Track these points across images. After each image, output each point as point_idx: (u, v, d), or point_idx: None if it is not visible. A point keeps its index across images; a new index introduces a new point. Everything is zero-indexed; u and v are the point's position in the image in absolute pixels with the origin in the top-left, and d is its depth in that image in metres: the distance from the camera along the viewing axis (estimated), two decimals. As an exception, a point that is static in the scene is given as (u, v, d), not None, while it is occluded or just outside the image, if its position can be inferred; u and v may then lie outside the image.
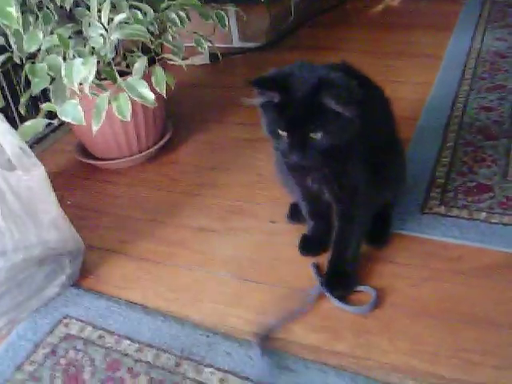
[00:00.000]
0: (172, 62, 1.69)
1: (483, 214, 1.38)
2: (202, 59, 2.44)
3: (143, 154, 1.78)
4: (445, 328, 1.14)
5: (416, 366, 1.07)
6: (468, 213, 1.39)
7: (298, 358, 1.11)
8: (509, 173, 1.51)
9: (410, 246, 1.34)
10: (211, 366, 1.12)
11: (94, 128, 1.46)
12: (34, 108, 1.73)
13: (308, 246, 1.37)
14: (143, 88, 1.46)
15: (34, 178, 1.22)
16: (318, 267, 1.30)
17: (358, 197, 1.22)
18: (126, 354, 1.17)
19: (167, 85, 1.56)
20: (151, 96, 1.47)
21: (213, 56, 2.37)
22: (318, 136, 1.08)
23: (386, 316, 1.18)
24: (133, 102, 1.50)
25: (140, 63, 1.48)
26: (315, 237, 1.37)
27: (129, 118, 1.48)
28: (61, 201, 1.30)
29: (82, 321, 1.26)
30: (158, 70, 1.54)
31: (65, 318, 1.27)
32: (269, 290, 1.27)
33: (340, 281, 1.25)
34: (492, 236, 1.32)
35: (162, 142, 1.82)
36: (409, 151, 1.60)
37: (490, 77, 2.03)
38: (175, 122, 1.94)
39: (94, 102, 1.46)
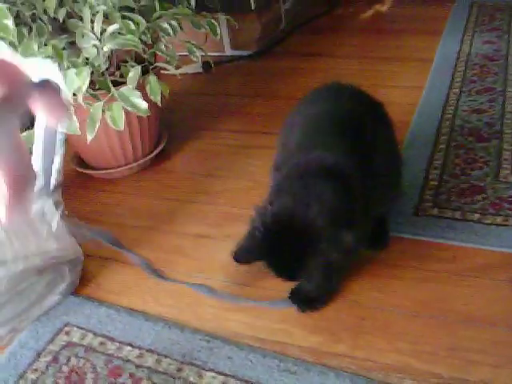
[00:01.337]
0: (165, 72, 1.70)
1: (476, 215, 1.40)
2: (194, 68, 2.45)
3: (139, 162, 1.79)
4: (442, 328, 1.15)
5: (415, 365, 1.09)
6: (461, 214, 1.41)
7: (298, 360, 1.13)
8: (501, 174, 1.53)
9: (405, 247, 1.35)
10: (212, 371, 1.13)
11: (89, 137, 1.48)
12: (29, 121, 1.74)
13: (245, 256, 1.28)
14: (136, 97, 1.48)
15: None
16: None
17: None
18: (128, 360, 1.18)
19: (162, 94, 1.58)
20: (144, 105, 1.48)
21: (205, 64, 2.39)
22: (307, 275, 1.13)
23: (383, 317, 1.19)
24: (128, 113, 1.51)
25: (134, 73, 1.49)
26: None
27: (122, 128, 1.50)
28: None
29: (82, 328, 1.27)
30: (152, 79, 1.56)
31: (66, 325, 1.28)
32: (266, 295, 1.29)
33: (308, 301, 1.25)
34: (485, 236, 1.34)
35: (156, 151, 1.83)
36: (402, 154, 1.62)
37: (479, 79, 2.06)
38: (169, 130, 1.96)
39: (89, 112, 1.48)
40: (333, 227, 1.06)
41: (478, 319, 1.16)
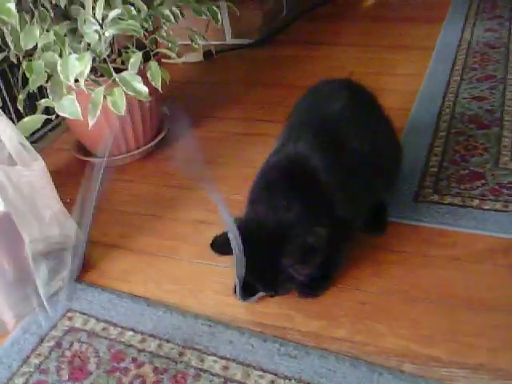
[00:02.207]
0: (167, 61, 1.71)
1: (476, 201, 1.41)
2: (196, 56, 2.45)
3: (140, 150, 1.80)
4: (441, 312, 1.16)
5: (414, 349, 1.10)
6: (461, 200, 1.42)
7: (298, 344, 1.13)
8: (500, 160, 1.54)
9: (406, 233, 1.36)
10: (214, 355, 1.14)
11: (90, 122, 1.48)
12: (31, 106, 1.75)
13: (247, 291, 1.25)
14: (137, 82, 1.48)
15: (34, 172, 1.24)
16: None
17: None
18: (130, 345, 1.19)
19: (163, 80, 1.58)
20: (145, 90, 1.49)
21: (207, 53, 2.39)
22: (286, 284, 1.15)
23: (383, 302, 1.20)
24: (129, 98, 1.52)
25: (135, 58, 1.50)
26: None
27: (123, 113, 1.50)
28: (61, 198, 1.32)
29: (85, 314, 1.28)
30: (153, 64, 1.56)
31: (68, 311, 1.29)
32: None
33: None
34: (485, 222, 1.35)
35: (158, 138, 1.84)
36: (402, 141, 1.63)
37: (480, 67, 2.06)
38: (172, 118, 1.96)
39: (90, 97, 1.48)
40: (302, 225, 1.09)
41: (477, 304, 1.17)
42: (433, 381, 1.03)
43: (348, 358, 1.09)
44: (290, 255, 1.08)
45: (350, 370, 1.07)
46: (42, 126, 1.61)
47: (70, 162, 1.86)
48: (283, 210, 1.10)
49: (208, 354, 1.14)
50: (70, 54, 1.44)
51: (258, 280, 1.17)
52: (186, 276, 1.35)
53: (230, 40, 2.64)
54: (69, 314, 1.28)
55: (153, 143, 1.82)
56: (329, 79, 1.43)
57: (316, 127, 1.24)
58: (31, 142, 1.88)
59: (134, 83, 1.48)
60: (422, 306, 1.18)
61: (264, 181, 1.20)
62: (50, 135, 2.01)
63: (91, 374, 1.14)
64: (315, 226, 1.09)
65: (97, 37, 1.44)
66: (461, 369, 1.05)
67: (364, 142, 1.23)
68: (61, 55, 1.46)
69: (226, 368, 1.11)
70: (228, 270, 1.34)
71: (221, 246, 1.17)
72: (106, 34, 1.44)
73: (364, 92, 1.39)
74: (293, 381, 1.06)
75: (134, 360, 1.15)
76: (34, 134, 1.91)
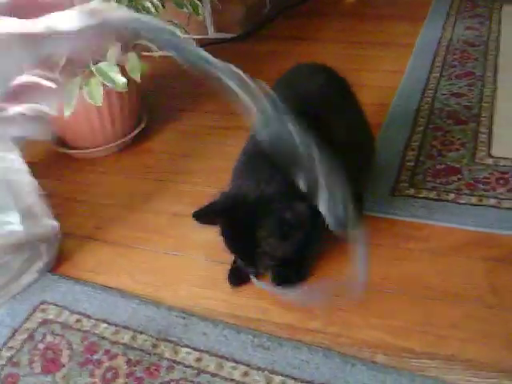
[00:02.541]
0: (146, 53, 1.70)
1: (452, 195, 1.41)
2: (176, 50, 2.44)
3: (118, 142, 1.79)
4: (415, 304, 1.17)
5: (387, 340, 1.10)
6: (436, 194, 1.42)
7: (272, 336, 1.13)
8: (477, 155, 1.54)
9: (381, 227, 1.36)
10: (188, 346, 1.13)
11: (66, 113, 1.47)
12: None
13: (238, 276, 1.28)
14: (114, 73, 1.48)
15: (9, 164, 1.23)
16: None
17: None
18: (103, 337, 1.18)
19: (141, 72, 1.57)
20: (122, 80, 1.48)
21: (187, 47, 2.38)
22: (265, 259, 1.14)
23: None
24: (108, 90, 1.51)
25: (113, 49, 1.49)
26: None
27: (100, 103, 1.49)
28: (38, 190, 1.31)
29: (58, 306, 1.27)
30: (131, 56, 1.56)
31: (42, 303, 1.28)
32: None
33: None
34: (460, 216, 1.35)
35: (136, 131, 1.83)
36: (380, 136, 1.64)
37: (459, 64, 2.07)
38: (150, 111, 1.96)
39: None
40: (282, 200, 1.09)
41: (451, 296, 1.17)
42: (405, 371, 1.03)
43: (321, 350, 1.09)
44: (266, 228, 1.09)
45: (323, 361, 1.07)
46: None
47: (47, 154, 1.85)
48: (264, 184, 1.10)
49: (181, 346, 1.14)
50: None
51: (238, 254, 1.18)
52: (161, 268, 1.34)
53: (212, 34, 2.63)
54: (42, 306, 1.27)
55: (131, 135, 1.81)
56: (307, 63, 1.45)
57: (295, 105, 1.24)
58: (8, 134, 1.89)
59: (112, 74, 1.47)
60: (396, 298, 1.19)
61: (247, 156, 1.20)
62: (27, 128, 2.00)
63: (64, 366, 1.13)
64: (295, 202, 1.07)
65: (74, 27, 1.42)
66: (433, 359, 1.05)
67: (340, 123, 1.24)
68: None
69: (199, 360, 1.11)
70: (202, 262, 1.34)
71: (202, 216, 1.16)
72: (85, 24, 1.43)
73: (339, 76, 1.40)
74: (266, 372, 1.06)
75: (107, 352, 1.15)
76: (11, 126, 1.90)
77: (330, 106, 1.27)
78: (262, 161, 1.13)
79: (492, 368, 1.02)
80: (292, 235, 1.12)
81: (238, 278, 1.27)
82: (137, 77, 1.56)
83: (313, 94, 1.29)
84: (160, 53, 2.29)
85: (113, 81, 1.48)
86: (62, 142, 1.83)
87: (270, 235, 1.10)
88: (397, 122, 1.75)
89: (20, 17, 0.53)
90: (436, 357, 1.05)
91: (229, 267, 1.30)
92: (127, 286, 1.30)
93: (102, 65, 1.48)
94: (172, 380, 1.07)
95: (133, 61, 1.55)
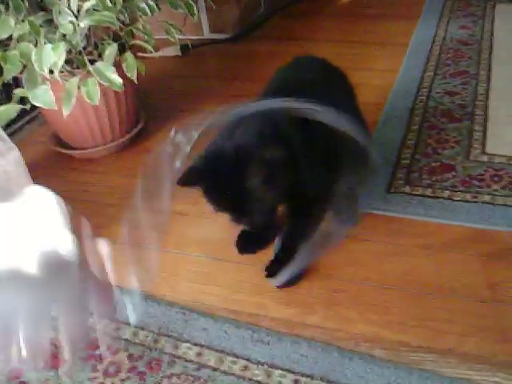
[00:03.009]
0: (144, 54, 1.71)
1: (447, 192, 1.43)
2: (173, 50, 2.46)
3: (117, 142, 1.80)
4: (411, 299, 1.19)
5: (384, 335, 1.12)
6: (432, 191, 1.44)
7: (271, 331, 1.15)
8: (471, 153, 1.57)
9: (378, 223, 1.39)
10: (188, 342, 1.15)
11: (65, 113, 1.48)
12: (5, 97, 1.75)
13: (246, 243, 1.36)
14: (111, 72, 1.49)
15: (10, 162, 1.24)
16: None
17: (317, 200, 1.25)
18: (105, 333, 1.19)
19: (139, 72, 1.59)
20: (119, 80, 1.50)
21: (184, 47, 2.40)
22: (256, 206, 1.14)
23: (355, 289, 1.23)
24: (105, 90, 1.52)
25: (110, 50, 1.51)
26: (254, 233, 1.36)
27: (97, 103, 1.51)
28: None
29: (60, 303, 1.28)
30: (128, 56, 1.57)
31: (43, 300, 1.29)
32: (241, 268, 1.32)
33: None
34: (455, 212, 1.37)
35: (135, 131, 1.84)
36: (376, 134, 1.66)
37: (453, 63, 2.09)
38: (149, 111, 1.97)
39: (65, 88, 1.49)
40: (258, 145, 1.11)
41: (447, 291, 1.19)
42: (402, 365, 1.05)
43: (320, 344, 1.11)
44: (249, 174, 1.09)
45: (322, 356, 1.09)
46: (19, 119, 1.61)
47: (46, 155, 1.86)
48: (239, 136, 1.13)
49: (182, 341, 1.16)
50: (45, 44, 1.44)
51: (227, 209, 1.17)
52: (161, 265, 1.35)
53: (207, 34, 2.64)
54: (44, 304, 1.28)
55: (129, 135, 1.83)
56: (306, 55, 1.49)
57: (289, 87, 1.28)
58: (8, 135, 1.89)
59: (108, 73, 1.49)
60: (392, 293, 1.21)
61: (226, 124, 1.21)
62: (26, 128, 2.01)
63: (66, 362, 1.14)
64: (270, 145, 1.11)
65: (72, 28, 1.44)
66: (429, 353, 1.07)
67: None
68: (36, 46, 1.46)
69: (199, 354, 1.12)
70: (202, 258, 1.36)
71: (183, 179, 1.16)
72: (81, 24, 1.45)
73: (336, 67, 1.44)
74: (265, 366, 1.08)
75: (108, 347, 1.16)
76: (10, 126, 1.92)
77: (324, 89, 1.30)
78: (233, 125, 1.16)
79: (488, 361, 1.04)
80: (275, 177, 1.12)
81: (245, 245, 1.33)
82: (133, 76, 1.57)
83: (309, 76, 1.33)
84: (160, 53, 2.32)
85: (110, 80, 1.49)
86: (60, 142, 1.84)
87: (254, 181, 1.10)
88: (392, 120, 1.77)
89: None
90: (432, 350, 1.08)
91: (227, 263, 1.32)
92: (127, 283, 1.31)
93: (98, 64, 1.50)
94: (173, 374, 1.09)
95: (129, 60, 1.57)
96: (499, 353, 1.06)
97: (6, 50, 1.48)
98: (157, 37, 1.73)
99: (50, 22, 1.51)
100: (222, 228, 1.44)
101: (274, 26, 2.73)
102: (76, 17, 1.44)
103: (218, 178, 1.12)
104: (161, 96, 2.17)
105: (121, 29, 1.61)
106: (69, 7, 1.43)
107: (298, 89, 1.26)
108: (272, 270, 1.26)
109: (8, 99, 1.59)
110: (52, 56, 1.39)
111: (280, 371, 1.07)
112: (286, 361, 1.09)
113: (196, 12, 1.82)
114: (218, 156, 1.14)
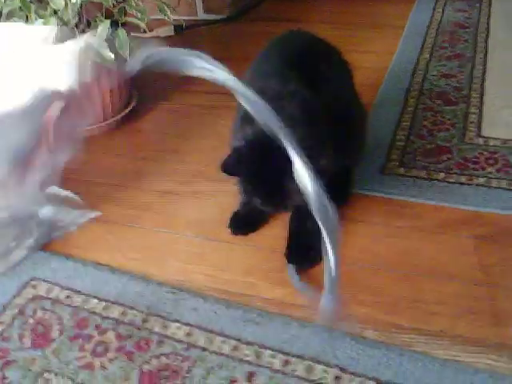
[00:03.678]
0: (137, 34, 1.69)
1: (441, 174, 1.42)
2: (166, 31, 2.43)
3: (108, 121, 1.78)
4: (404, 281, 1.18)
5: (377, 316, 1.11)
6: (426, 173, 1.43)
7: (262, 311, 1.14)
8: (466, 135, 1.55)
9: (372, 205, 1.37)
10: (177, 321, 1.14)
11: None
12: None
13: (240, 224, 1.34)
14: (103, 48, 1.47)
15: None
16: None
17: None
18: (94, 312, 1.18)
19: (131, 50, 1.56)
20: (111, 56, 1.47)
21: (177, 28, 2.37)
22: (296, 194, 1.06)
23: (347, 271, 1.21)
24: (96, 68, 1.50)
25: (103, 27, 1.48)
26: (248, 214, 1.34)
27: (88, 79, 1.48)
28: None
29: (49, 282, 1.27)
30: (120, 32, 1.55)
31: (32, 279, 1.28)
32: (232, 248, 1.30)
33: (305, 254, 1.23)
34: (449, 194, 1.36)
35: (127, 111, 1.82)
36: (371, 116, 1.64)
37: (450, 46, 2.08)
38: (141, 91, 1.95)
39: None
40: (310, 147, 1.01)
41: (440, 273, 1.18)
42: (393, 346, 1.04)
43: (311, 325, 1.10)
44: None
45: (313, 336, 1.08)
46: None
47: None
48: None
49: (171, 321, 1.14)
50: (36, 19, 1.41)
51: (267, 196, 1.14)
52: (151, 245, 1.34)
53: (201, 15, 2.62)
54: (33, 283, 1.27)
55: (121, 114, 1.81)
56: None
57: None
58: None
59: (101, 49, 1.46)
60: (385, 275, 1.20)
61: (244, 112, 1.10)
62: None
63: (54, 340, 1.13)
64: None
65: (63, 3, 1.42)
66: (422, 335, 1.06)
67: (328, 82, 1.25)
68: (27, 22, 1.43)
69: (189, 334, 1.11)
70: (192, 239, 1.34)
71: (230, 167, 1.11)
72: (73, 0, 1.42)
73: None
74: (255, 346, 1.07)
75: (97, 327, 1.15)
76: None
77: (318, 62, 1.29)
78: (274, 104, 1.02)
79: (479, 343, 1.04)
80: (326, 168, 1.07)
81: (240, 225, 1.32)
82: (126, 53, 1.55)
83: (301, 49, 1.34)
84: (153, 33, 2.30)
85: (102, 57, 1.47)
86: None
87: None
88: (387, 102, 1.75)
89: None
90: (425, 332, 1.06)
91: (217, 243, 1.31)
92: (118, 262, 1.30)
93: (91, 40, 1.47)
94: (162, 354, 1.08)
95: (122, 37, 1.54)
96: (491, 335, 1.05)
97: (-5, 26, 1.45)
98: (152, 17, 1.70)
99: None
100: (214, 209, 1.43)
101: (268, 8, 2.71)
102: (67, -8, 1.42)
103: (264, 165, 1.08)
104: (153, 76, 2.14)
105: (114, 6, 1.58)
106: (60, -18, 1.41)
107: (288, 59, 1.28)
108: (293, 257, 1.24)
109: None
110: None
111: (270, 351, 1.06)
112: (277, 341, 1.07)
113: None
114: (262, 141, 1.05)
